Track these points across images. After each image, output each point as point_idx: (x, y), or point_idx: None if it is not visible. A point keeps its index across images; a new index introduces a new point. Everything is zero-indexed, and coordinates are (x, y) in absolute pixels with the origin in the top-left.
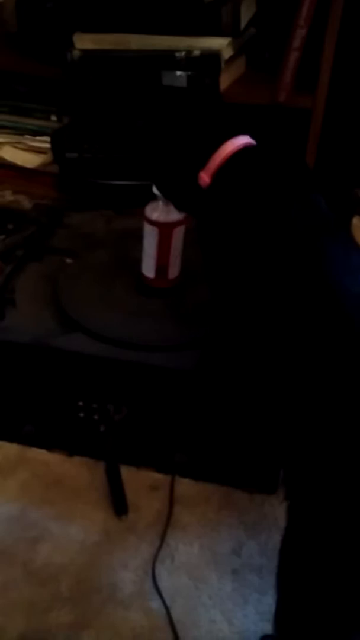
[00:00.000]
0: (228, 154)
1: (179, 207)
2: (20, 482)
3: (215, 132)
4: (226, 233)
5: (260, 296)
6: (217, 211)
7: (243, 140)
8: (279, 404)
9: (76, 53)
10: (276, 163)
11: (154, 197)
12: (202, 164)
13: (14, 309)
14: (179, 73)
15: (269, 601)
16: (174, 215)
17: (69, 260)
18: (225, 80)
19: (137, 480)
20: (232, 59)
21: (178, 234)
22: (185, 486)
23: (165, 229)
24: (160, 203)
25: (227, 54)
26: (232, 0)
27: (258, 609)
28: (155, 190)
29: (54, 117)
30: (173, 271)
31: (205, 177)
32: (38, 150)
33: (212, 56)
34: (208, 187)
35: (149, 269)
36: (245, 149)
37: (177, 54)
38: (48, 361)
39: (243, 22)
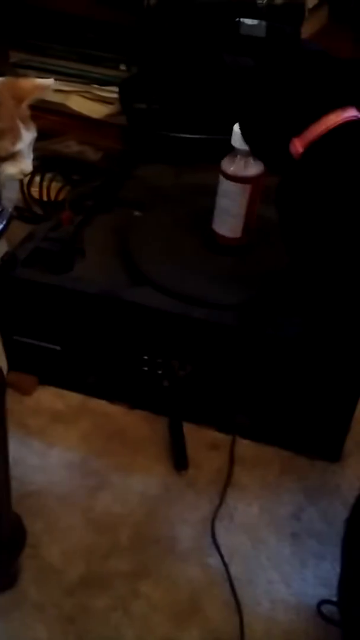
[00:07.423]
0: (329, 127)
1: (267, 165)
2: (82, 431)
3: (320, 97)
4: (311, 206)
5: (342, 267)
6: (305, 184)
7: (348, 113)
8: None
9: None
10: None
11: (231, 149)
12: (298, 130)
13: (83, 260)
14: (258, 22)
15: (327, 567)
16: (252, 170)
17: (137, 213)
18: (306, 31)
19: (197, 437)
20: (315, 8)
21: (255, 190)
22: (245, 447)
23: (242, 184)
24: (238, 156)
25: (311, 2)
26: None
27: (316, 573)
28: (233, 142)
29: (123, 67)
30: (246, 228)
31: (298, 147)
32: (105, 100)
33: (296, 5)
34: (300, 158)
35: (222, 225)
36: (348, 123)
37: (259, 2)
38: (115, 313)
39: None
